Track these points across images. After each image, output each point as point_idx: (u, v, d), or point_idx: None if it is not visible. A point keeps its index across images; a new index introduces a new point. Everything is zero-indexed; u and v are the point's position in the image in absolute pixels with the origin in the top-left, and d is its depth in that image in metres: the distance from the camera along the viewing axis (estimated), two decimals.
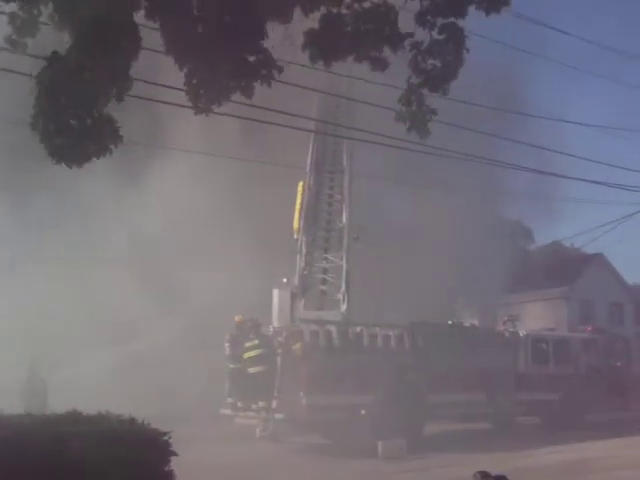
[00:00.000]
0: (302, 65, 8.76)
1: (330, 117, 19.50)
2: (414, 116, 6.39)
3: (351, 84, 15.89)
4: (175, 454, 5.56)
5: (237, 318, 16.45)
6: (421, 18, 6.12)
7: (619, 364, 21.06)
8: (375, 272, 21.69)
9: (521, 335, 19.13)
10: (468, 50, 6.24)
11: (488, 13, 6.09)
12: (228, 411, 16.25)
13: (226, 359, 16.49)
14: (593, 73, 26.71)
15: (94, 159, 5.54)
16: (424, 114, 6.40)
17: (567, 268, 36.35)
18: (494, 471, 5.64)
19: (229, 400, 16.23)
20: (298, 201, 18.70)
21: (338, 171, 19.93)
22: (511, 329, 19.29)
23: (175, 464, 5.63)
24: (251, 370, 15.54)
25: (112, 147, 5.47)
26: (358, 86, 12.46)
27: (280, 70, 5.95)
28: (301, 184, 19.07)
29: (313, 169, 19.61)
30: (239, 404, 15.98)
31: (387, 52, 6.28)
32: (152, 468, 5.37)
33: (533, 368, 18.91)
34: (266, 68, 5.82)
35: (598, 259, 38.68)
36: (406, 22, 6.23)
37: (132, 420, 5.71)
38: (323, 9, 5.90)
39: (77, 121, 5.26)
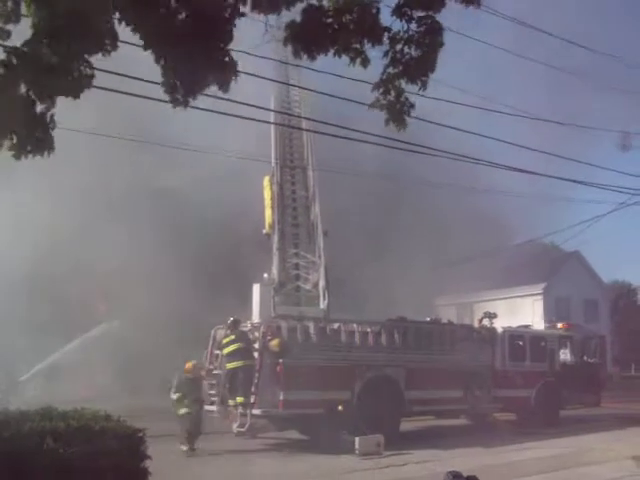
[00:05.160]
0: (281, 61, 8.65)
1: (288, 109, 19.30)
2: (392, 106, 6.33)
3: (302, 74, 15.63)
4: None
5: (188, 364, 15.40)
6: (399, 11, 6.09)
7: (593, 361, 21.26)
8: (350, 270, 21.60)
9: (498, 332, 19.24)
10: (443, 44, 6.21)
11: (467, 5, 6.08)
12: (206, 406, 16.13)
13: (205, 359, 16.37)
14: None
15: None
16: (402, 105, 6.35)
17: (544, 265, 36.71)
18: (467, 469, 5.62)
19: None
20: (266, 196, 18.44)
21: (299, 167, 19.71)
22: (488, 326, 19.38)
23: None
24: (229, 365, 15.43)
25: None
26: (326, 80, 12.18)
27: (236, 76, 5.84)
28: (267, 179, 18.81)
29: (278, 163, 19.35)
30: (216, 399, 15.87)
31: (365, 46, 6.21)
32: (127, 464, 5.30)
33: (509, 364, 19.04)
34: (229, 71, 5.75)
35: (575, 257, 39.12)
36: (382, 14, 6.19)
37: (107, 416, 5.64)
38: (305, 1, 5.85)
39: None
